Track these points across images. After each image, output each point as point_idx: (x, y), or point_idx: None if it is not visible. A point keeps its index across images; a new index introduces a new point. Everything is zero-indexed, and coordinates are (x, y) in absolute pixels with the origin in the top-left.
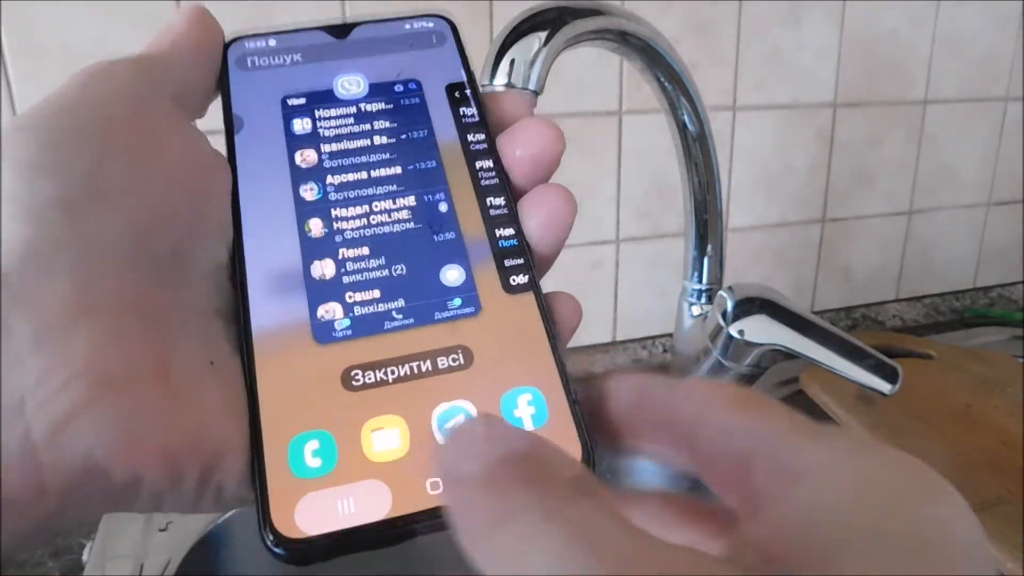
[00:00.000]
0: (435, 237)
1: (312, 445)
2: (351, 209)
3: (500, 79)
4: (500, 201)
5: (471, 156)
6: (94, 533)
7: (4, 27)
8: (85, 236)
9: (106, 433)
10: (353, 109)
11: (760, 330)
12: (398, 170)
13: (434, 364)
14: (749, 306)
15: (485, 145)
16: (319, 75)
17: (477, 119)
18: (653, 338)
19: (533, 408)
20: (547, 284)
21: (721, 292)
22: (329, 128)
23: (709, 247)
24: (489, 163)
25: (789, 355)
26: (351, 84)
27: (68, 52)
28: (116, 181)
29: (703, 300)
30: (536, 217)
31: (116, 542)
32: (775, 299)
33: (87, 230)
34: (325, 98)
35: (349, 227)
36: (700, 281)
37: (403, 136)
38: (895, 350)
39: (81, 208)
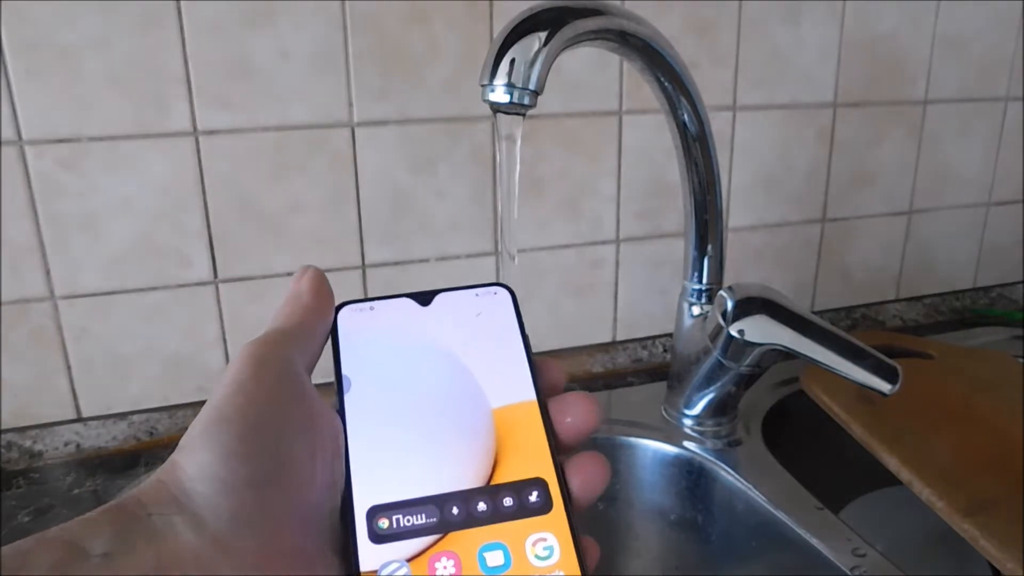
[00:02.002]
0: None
1: None
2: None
3: (500, 79)
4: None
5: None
6: None
7: (4, 27)
8: (267, 508)
9: None
10: (434, 372)
11: (760, 330)
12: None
13: None
14: (749, 306)
15: (539, 407)
16: (408, 338)
17: (531, 378)
18: (653, 338)
19: None
20: (549, 284)
21: (721, 292)
22: (411, 379)
23: (709, 247)
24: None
25: (789, 355)
26: (432, 346)
27: (68, 52)
28: (287, 460)
29: (703, 300)
30: (578, 476)
31: None
32: (775, 299)
33: (268, 503)
34: (414, 357)
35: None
36: (700, 281)
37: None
38: (895, 350)
39: (264, 486)
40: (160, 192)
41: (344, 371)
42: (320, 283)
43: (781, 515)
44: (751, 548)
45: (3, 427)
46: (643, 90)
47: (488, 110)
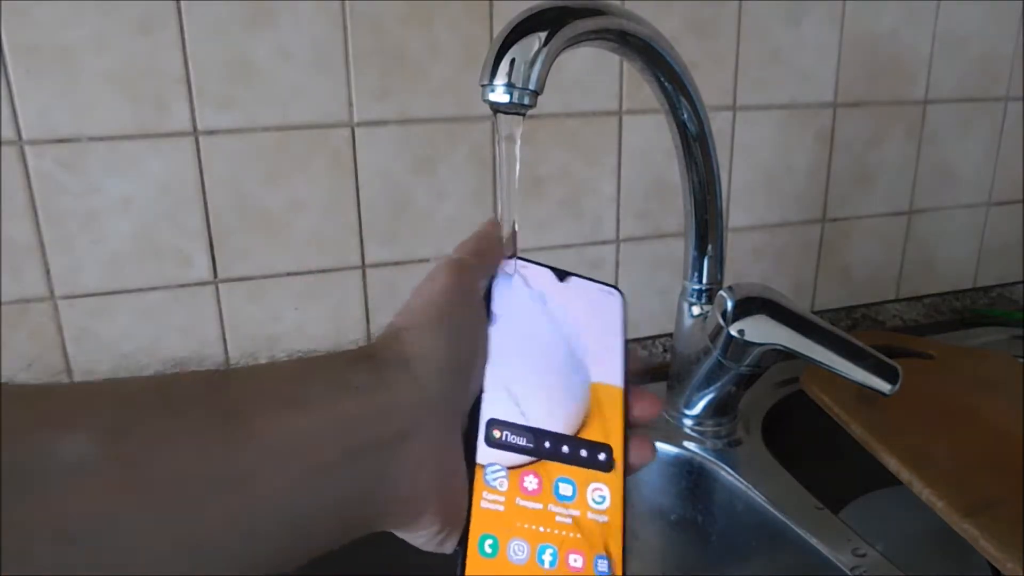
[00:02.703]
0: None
1: (488, 542)
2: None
3: (500, 79)
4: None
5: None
6: None
7: (4, 27)
8: (457, 391)
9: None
10: (556, 334)
11: (760, 330)
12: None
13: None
14: (749, 306)
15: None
16: (545, 301)
17: (623, 370)
18: (653, 338)
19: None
20: None
21: (721, 292)
22: (541, 333)
23: (709, 247)
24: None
25: (789, 355)
26: (560, 314)
27: (68, 52)
28: (474, 362)
29: (703, 300)
30: (635, 450)
31: None
32: (775, 299)
33: (459, 388)
34: (545, 317)
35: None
36: (700, 281)
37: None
38: (895, 350)
39: (459, 375)
40: (160, 192)
41: (493, 308)
42: (500, 236)
43: (781, 515)
44: (751, 548)
45: None
46: (643, 90)
47: (488, 110)
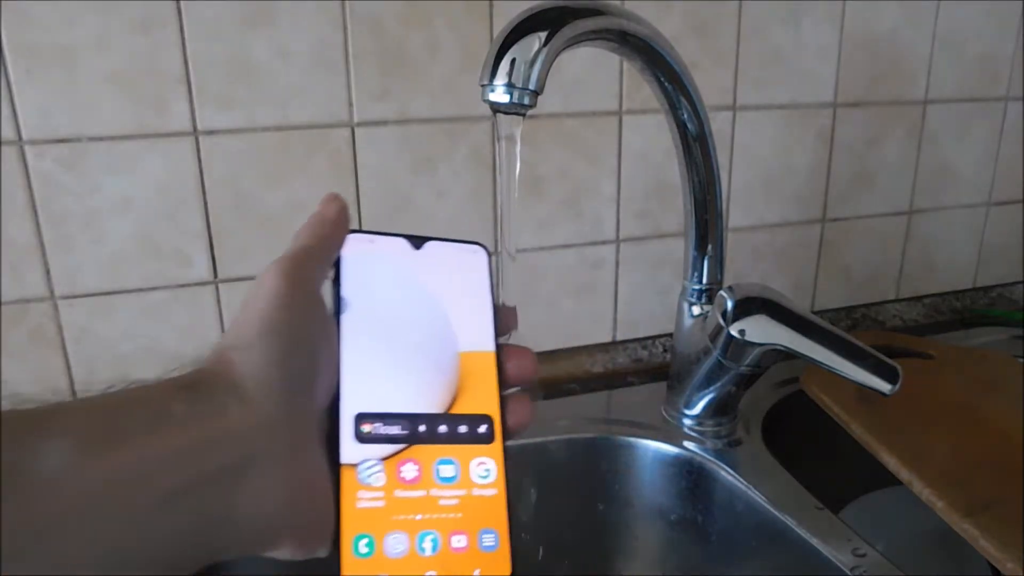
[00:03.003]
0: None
1: (363, 541)
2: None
3: (500, 79)
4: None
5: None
6: None
7: (4, 27)
8: (299, 406)
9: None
10: (417, 308)
11: (760, 330)
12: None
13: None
14: (749, 306)
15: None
16: (400, 274)
17: (493, 332)
18: (653, 338)
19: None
20: (549, 284)
21: (721, 292)
22: (399, 311)
23: (709, 247)
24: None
25: (789, 355)
26: (418, 285)
27: (68, 52)
28: (317, 369)
29: (703, 300)
30: (512, 415)
31: None
32: (775, 299)
33: (301, 402)
34: (402, 292)
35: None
36: (700, 281)
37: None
38: (895, 350)
39: (300, 389)
40: (160, 192)
41: (343, 293)
42: (342, 211)
43: (781, 515)
44: (751, 548)
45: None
46: (643, 90)
47: (488, 110)
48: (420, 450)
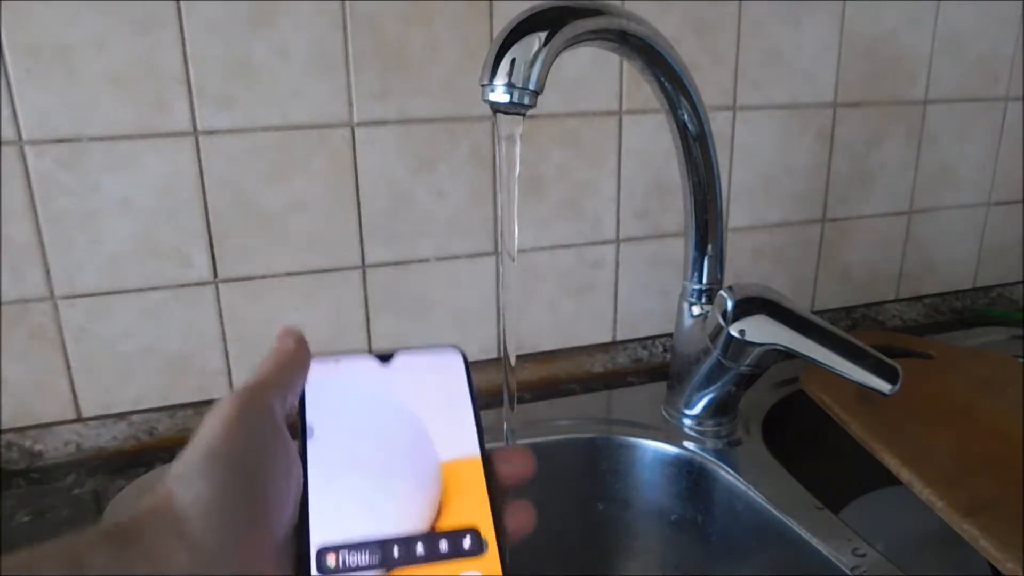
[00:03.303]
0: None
1: None
2: None
3: (500, 79)
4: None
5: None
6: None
7: (4, 27)
8: (250, 538)
9: None
10: (389, 425)
11: (760, 330)
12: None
13: None
14: (749, 306)
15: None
16: (368, 393)
17: (477, 436)
18: (653, 338)
19: None
20: (549, 284)
21: (721, 292)
22: (369, 431)
23: (709, 247)
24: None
25: (789, 355)
26: (389, 401)
27: (68, 52)
28: (270, 497)
29: (703, 300)
30: (512, 522)
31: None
32: (775, 299)
33: (252, 534)
34: (372, 411)
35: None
36: (700, 281)
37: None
38: (895, 350)
39: (250, 518)
40: (160, 192)
41: (308, 419)
42: (301, 341)
43: (781, 515)
44: (751, 548)
45: (3, 427)
46: (643, 90)
47: (488, 110)
48: (402, 573)
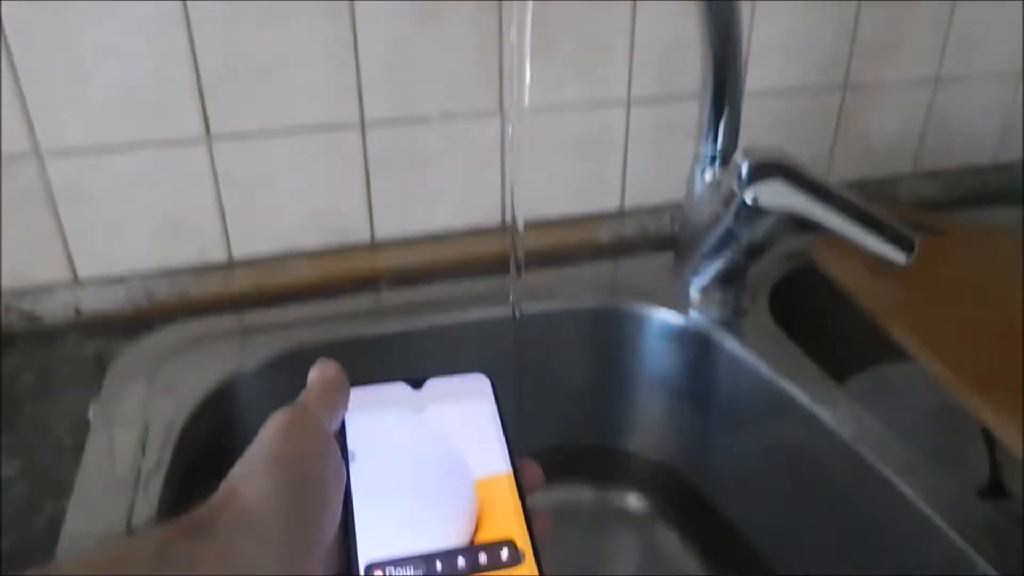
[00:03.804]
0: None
1: None
2: None
3: None
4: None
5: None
6: (98, 392)
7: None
8: (308, 533)
9: None
10: (425, 447)
11: (775, 195)
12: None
13: None
14: (765, 170)
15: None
16: (403, 417)
17: (507, 453)
18: (662, 208)
19: None
20: (556, 147)
21: (736, 156)
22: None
23: (726, 108)
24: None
25: (802, 224)
26: (423, 424)
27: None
28: (326, 498)
29: (716, 165)
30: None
31: (121, 403)
32: (792, 164)
33: (311, 530)
34: (408, 434)
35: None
36: (714, 145)
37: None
38: (906, 225)
39: (309, 517)
40: (146, 40)
41: (349, 445)
42: (340, 369)
43: (785, 384)
44: (754, 419)
45: (1, 290)
46: None
47: None
48: None
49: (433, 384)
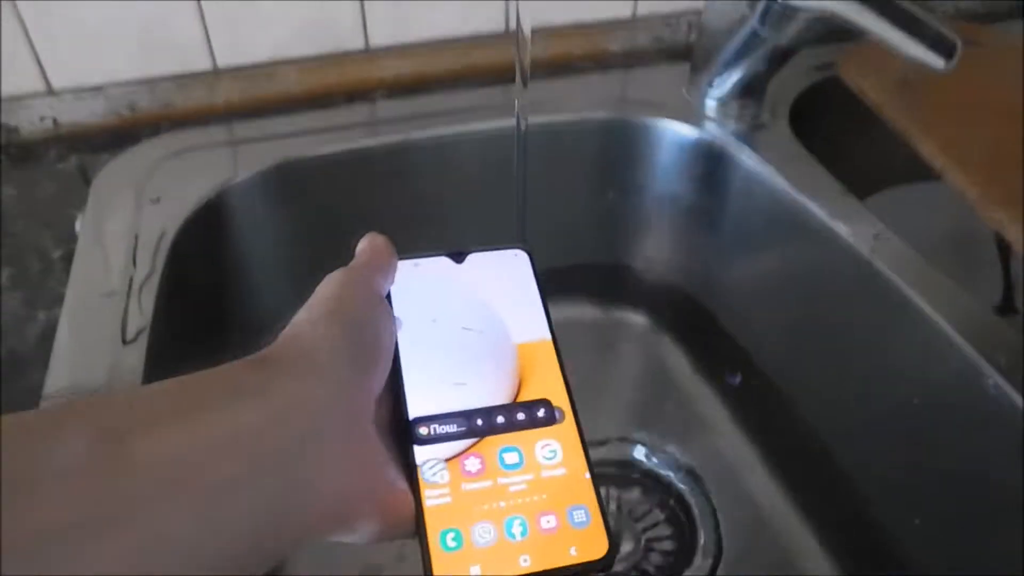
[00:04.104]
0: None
1: (450, 536)
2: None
3: None
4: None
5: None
6: (84, 205)
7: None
8: (366, 377)
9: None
10: (468, 314)
11: None
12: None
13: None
14: None
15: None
16: (447, 287)
17: (547, 322)
18: (678, 16)
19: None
20: None
21: None
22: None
23: None
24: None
25: (832, 28)
26: (465, 294)
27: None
28: (383, 347)
29: None
30: None
31: (109, 215)
32: None
33: (368, 373)
34: (452, 303)
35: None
36: None
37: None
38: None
39: (369, 361)
40: None
41: (395, 313)
42: (388, 239)
43: (802, 200)
44: (765, 236)
45: None
46: None
47: None
48: (483, 443)
49: (475, 258)
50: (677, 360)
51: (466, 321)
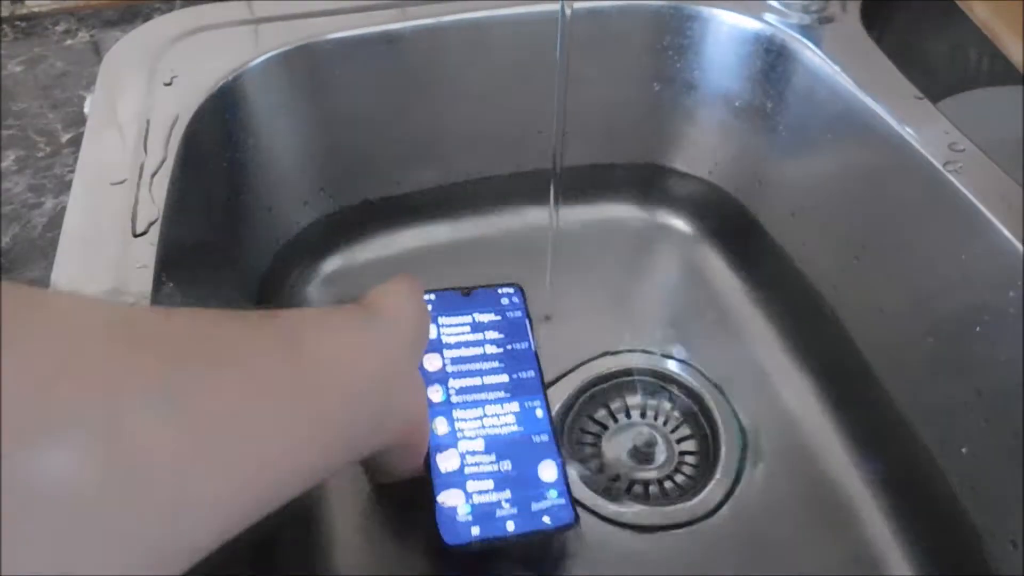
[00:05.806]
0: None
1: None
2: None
3: None
4: None
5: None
6: (93, 84)
7: None
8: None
9: None
10: (477, 347)
11: None
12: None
13: None
14: None
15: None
16: (458, 314)
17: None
18: None
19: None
20: None
21: None
22: (455, 354)
23: None
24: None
25: None
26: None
27: None
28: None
29: None
30: None
31: (120, 95)
32: None
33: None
34: (455, 333)
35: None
36: None
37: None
38: None
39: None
40: None
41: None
42: (419, 285)
43: (871, 102)
44: (827, 140)
45: None
46: None
47: None
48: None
49: (479, 293)
50: (718, 268)
51: (476, 340)
